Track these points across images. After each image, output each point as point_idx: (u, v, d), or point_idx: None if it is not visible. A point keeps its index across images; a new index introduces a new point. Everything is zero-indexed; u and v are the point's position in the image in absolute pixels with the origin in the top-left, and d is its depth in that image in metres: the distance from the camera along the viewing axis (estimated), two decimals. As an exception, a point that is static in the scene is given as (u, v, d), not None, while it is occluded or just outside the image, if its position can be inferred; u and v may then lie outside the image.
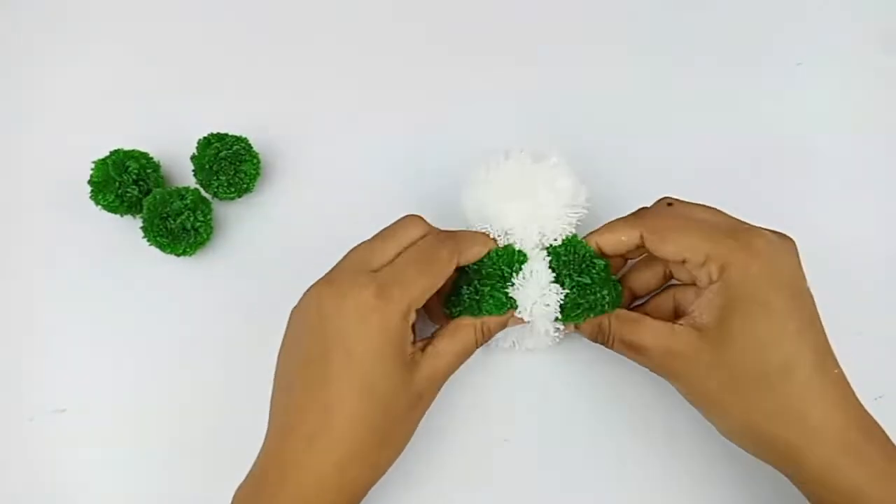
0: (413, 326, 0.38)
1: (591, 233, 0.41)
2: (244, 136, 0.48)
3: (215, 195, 0.47)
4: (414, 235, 0.40)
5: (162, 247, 0.45)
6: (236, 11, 0.55)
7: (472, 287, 0.41)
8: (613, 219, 0.41)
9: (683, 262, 0.38)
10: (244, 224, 0.49)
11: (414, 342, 0.39)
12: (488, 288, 0.40)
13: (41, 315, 0.47)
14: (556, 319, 0.41)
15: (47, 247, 0.49)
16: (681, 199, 0.41)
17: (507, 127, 0.51)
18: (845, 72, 0.52)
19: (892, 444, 0.36)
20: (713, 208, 0.40)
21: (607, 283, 0.41)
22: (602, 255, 0.41)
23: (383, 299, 0.36)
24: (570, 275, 0.41)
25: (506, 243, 0.41)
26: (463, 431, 0.44)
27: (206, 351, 0.46)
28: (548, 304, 0.41)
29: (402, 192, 0.49)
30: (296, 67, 0.53)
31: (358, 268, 0.38)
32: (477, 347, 0.41)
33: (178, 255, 0.46)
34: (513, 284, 0.41)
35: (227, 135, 0.47)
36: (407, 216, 0.41)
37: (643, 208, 0.41)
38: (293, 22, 0.55)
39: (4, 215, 0.50)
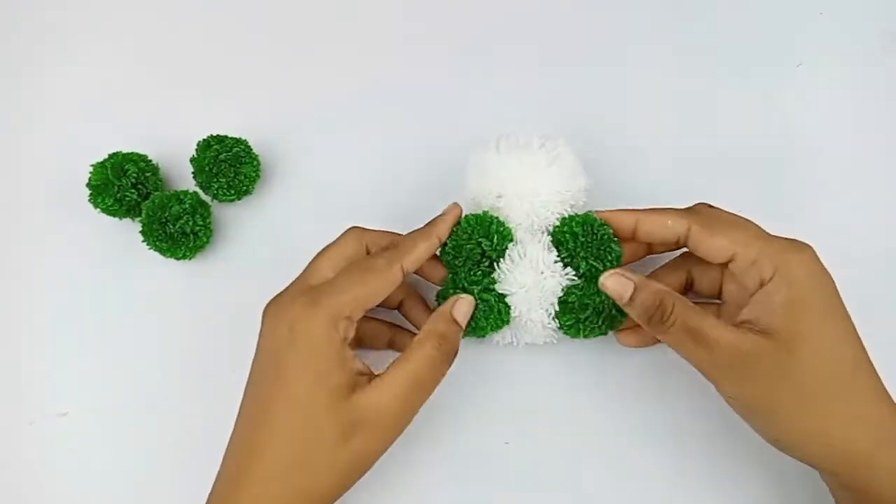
0: (355, 342, 0.37)
1: (635, 209, 0.39)
2: (244, 137, 0.48)
3: (215, 197, 0.47)
4: (350, 248, 0.40)
5: (161, 251, 0.45)
6: (236, 13, 0.55)
7: (459, 289, 0.40)
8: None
9: (728, 261, 0.37)
10: (244, 226, 0.49)
11: (366, 372, 0.36)
12: (477, 289, 0.39)
13: (41, 318, 0.47)
14: (555, 317, 0.40)
15: (47, 249, 0.49)
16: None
17: (508, 127, 0.51)
18: (845, 72, 0.52)
19: None
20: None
21: None
22: (631, 237, 0.39)
23: (311, 308, 0.35)
24: (586, 258, 0.39)
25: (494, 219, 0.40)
26: (463, 433, 0.44)
27: (207, 353, 0.46)
28: (543, 292, 0.39)
29: (403, 193, 0.49)
30: (296, 69, 0.53)
31: (298, 285, 0.38)
32: (435, 374, 0.37)
33: (178, 259, 0.46)
34: (495, 270, 0.40)
35: (226, 137, 0.47)
36: (347, 229, 0.41)
37: (694, 206, 0.40)
38: (293, 23, 0.54)
39: (4, 217, 0.50)
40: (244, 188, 0.47)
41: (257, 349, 0.38)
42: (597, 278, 0.39)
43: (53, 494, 0.44)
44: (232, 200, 0.48)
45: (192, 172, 0.48)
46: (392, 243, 0.39)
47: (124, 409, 0.45)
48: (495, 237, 0.40)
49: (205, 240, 0.46)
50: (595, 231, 0.39)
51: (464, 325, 0.39)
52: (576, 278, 0.40)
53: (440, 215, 0.41)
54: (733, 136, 0.51)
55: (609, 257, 0.40)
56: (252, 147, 0.48)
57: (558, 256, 0.40)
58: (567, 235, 0.40)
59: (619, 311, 0.40)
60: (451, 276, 0.41)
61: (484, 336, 0.41)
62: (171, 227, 0.44)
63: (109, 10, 0.55)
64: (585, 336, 0.41)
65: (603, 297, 0.39)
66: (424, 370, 0.36)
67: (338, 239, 0.40)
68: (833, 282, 0.36)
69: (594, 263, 0.39)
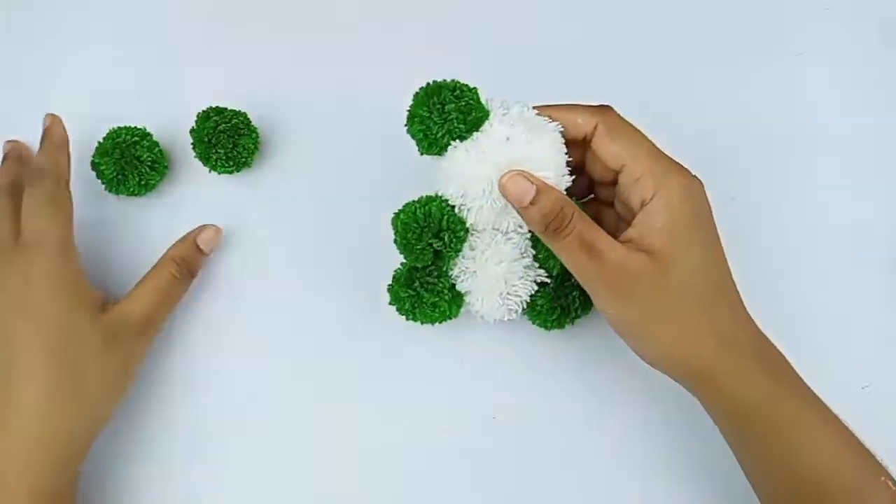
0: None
1: (549, 106, 0.39)
2: (244, 110, 0.48)
3: (213, 169, 0.47)
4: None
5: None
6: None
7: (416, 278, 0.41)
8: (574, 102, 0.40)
9: (618, 170, 0.38)
10: (241, 199, 0.49)
11: (102, 299, 0.43)
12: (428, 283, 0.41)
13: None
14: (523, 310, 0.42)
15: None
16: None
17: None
18: (846, 64, 0.52)
19: (778, 351, 0.38)
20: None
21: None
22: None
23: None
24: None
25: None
26: (450, 408, 0.45)
27: (208, 342, 0.46)
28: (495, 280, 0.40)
29: (400, 169, 0.49)
30: (297, 43, 0.53)
31: None
32: (177, 290, 0.45)
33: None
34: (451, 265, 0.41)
35: (226, 108, 0.47)
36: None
37: (604, 106, 0.40)
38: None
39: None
40: (242, 160, 0.47)
41: None
42: (568, 279, 0.41)
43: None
44: (230, 172, 0.48)
45: (192, 143, 0.48)
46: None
47: (120, 408, 0.44)
48: (447, 236, 0.39)
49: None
50: None
51: (207, 252, 0.46)
52: (548, 279, 0.42)
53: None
54: (732, 127, 0.51)
55: None
56: (251, 120, 0.48)
57: (536, 255, 0.41)
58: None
59: (584, 308, 0.42)
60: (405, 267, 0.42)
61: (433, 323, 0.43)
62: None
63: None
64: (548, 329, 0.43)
65: (570, 300, 0.41)
66: (167, 287, 0.44)
67: None
68: (707, 208, 0.38)
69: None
